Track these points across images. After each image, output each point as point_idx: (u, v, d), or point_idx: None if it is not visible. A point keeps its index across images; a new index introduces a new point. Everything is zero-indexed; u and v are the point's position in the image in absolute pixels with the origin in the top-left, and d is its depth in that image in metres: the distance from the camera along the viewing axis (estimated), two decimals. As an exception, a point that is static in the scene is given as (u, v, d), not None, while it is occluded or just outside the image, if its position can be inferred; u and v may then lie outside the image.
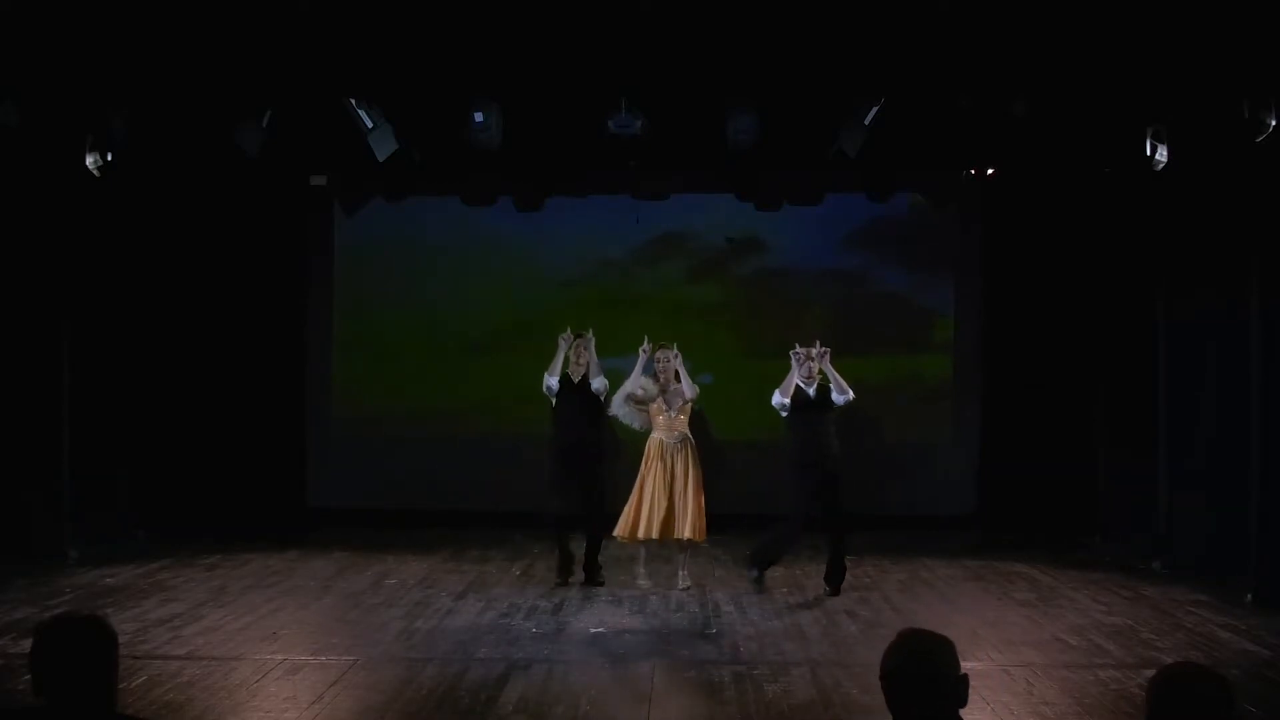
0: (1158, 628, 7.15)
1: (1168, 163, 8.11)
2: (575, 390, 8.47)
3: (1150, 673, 2.65)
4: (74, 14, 6.87)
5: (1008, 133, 8.27)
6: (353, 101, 7.94)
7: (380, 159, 8.19)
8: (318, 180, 11.27)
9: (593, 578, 8.44)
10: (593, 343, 8.51)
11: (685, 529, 8.09)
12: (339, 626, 7.15)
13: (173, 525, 10.38)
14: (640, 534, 8.18)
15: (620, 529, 8.27)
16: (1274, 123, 6.99)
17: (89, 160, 8.41)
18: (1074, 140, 8.55)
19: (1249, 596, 7.71)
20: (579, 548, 8.48)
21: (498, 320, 11.56)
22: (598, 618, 7.41)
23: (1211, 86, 7.36)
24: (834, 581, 8.08)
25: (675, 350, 8.35)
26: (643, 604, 7.84)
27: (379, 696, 5.62)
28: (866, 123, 7.97)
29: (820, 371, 8.16)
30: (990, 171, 10.74)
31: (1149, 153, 8.10)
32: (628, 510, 8.26)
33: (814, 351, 8.16)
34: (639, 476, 8.27)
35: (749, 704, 5.56)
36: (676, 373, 8.32)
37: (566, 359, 8.47)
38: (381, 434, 11.47)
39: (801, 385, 8.18)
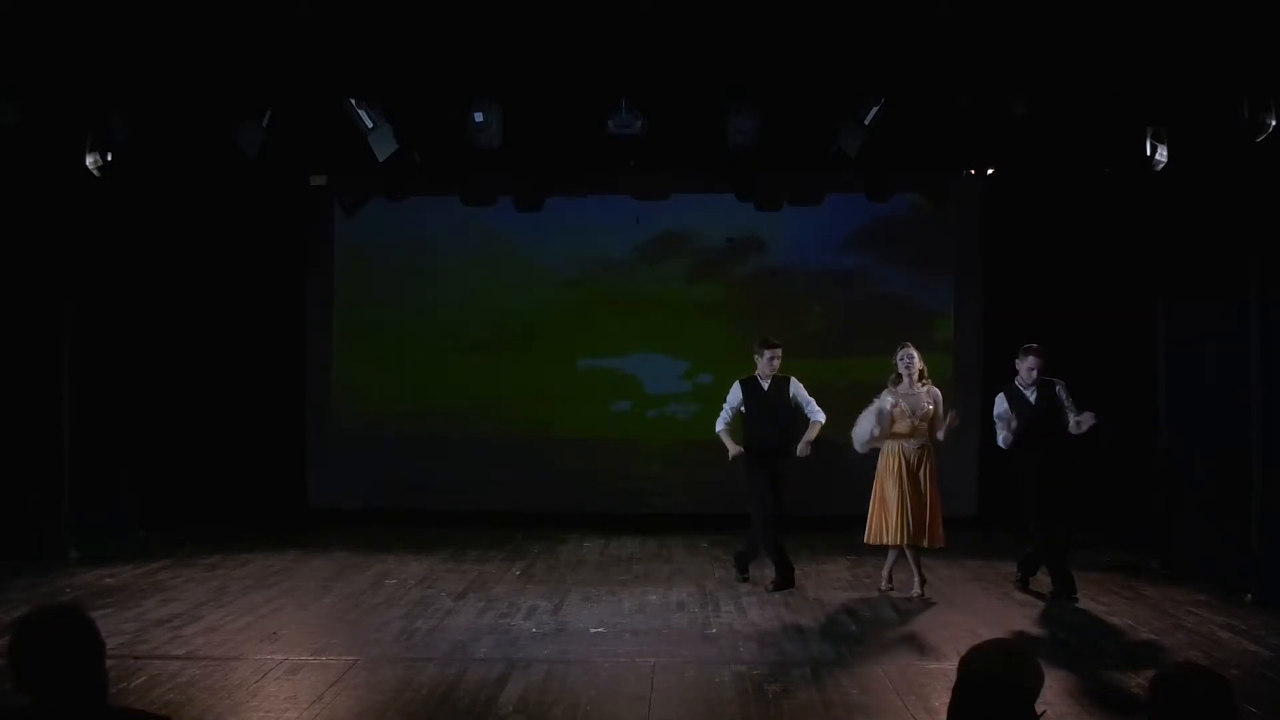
0: (1158, 628, 7.15)
1: (1168, 163, 8.10)
2: (765, 395, 8.40)
3: (1150, 673, 2.65)
4: (74, 14, 6.87)
5: (1008, 133, 8.26)
6: (353, 101, 7.94)
7: (380, 159, 8.18)
8: (318, 180, 11.26)
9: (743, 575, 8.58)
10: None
11: (930, 537, 7.95)
12: (339, 626, 7.15)
13: (173, 525, 10.38)
14: (893, 540, 7.99)
15: (874, 535, 8.08)
16: (1274, 123, 7.00)
17: (89, 160, 8.40)
18: (1074, 140, 8.54)
19: (1249, 596, 7.71)
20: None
21: (498, 320, 11.58)
22: (598, 618, 7.41)
23: (1211, 86, 7.35)
24: (1069, 589, 7.87)
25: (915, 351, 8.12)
26: (643, 604, 7.84)
27: (379, 696, 5.62)
28: (866, 123, 7.96)
29: (1040, 379, 7.95)
30: (990, 171, 10.74)
31: (1149, 153, 8.10)
32: (874, 515, 8.05)
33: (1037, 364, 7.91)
34: (878, 481, 8.06)
35: (749, 704, 5.56)
36: (922, 372, 8.11)
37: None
38: (382, 434, 11.47)
39: (1019, 388, 8.05)
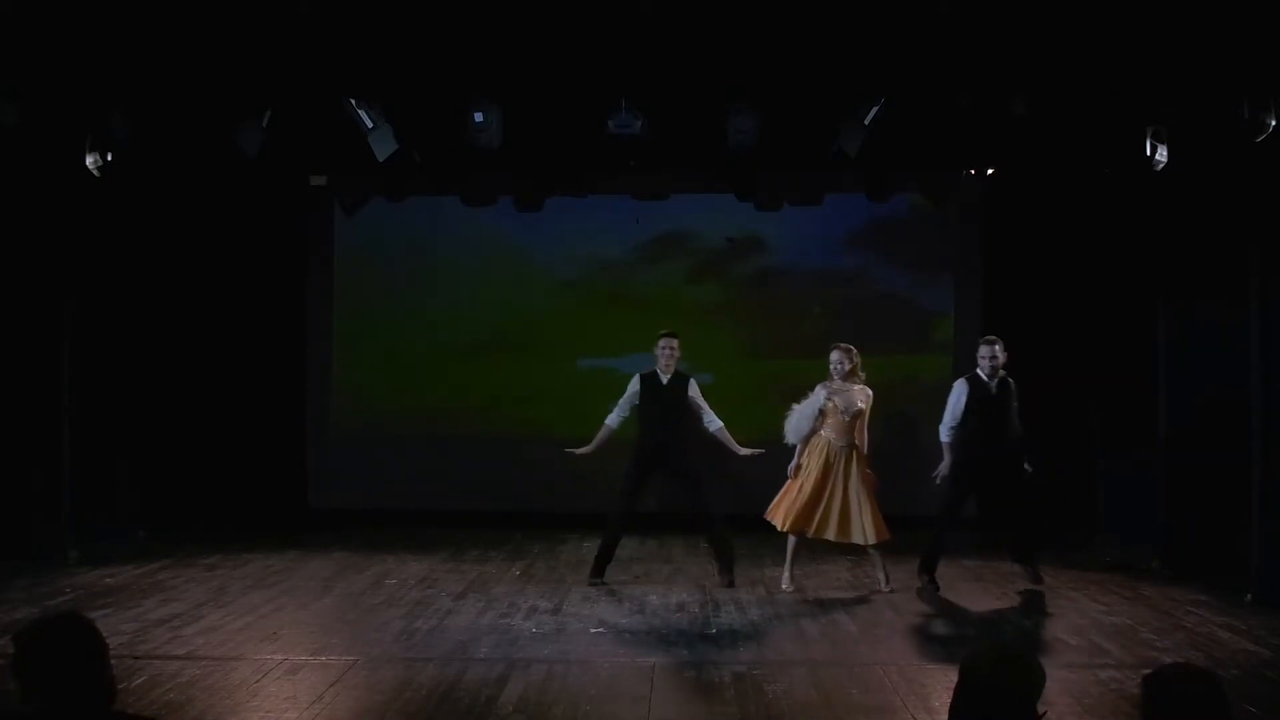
0: (1158, 628, 7.15)
1: (1168, 163, 8.11)
2: (662, 391, 8.44)
3: (1149, 672, 2.65)
4: (74, 14, 6.87)
5: (1008, 133, 8.27)
6: (353, 101, 7.94)
7: (380, 159, 8.19)
8: (318, 180, 11.27)
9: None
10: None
11: (869, 534, 7.98)
12: (339, 626, 7.15)
13: (173, 525, 10.38)
14: (811, 531, 8.04)
15: (782, 521, 8.09)
16: (1274, 123, 7.00)
17: (89, 160, 8.41)
18: (1074, 140, 8.55)
19: (1249, 596, 7.71)
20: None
21: (498, 320, 11.56)
22: (598, 618, 7.41)
23: (1211, 86, 7.36)
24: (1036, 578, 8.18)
25: (855, 352, 8.17)
26: (643, 604, 7.84)
27: (379, 696, 5.62)
28: (866, 123, 7.97)
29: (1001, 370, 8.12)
30: (990, 171, 10.74)
31: (1149, 153, 8.10)
32: (784, 501, 8.10)
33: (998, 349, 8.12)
34: (797, 469, 8.10)
35: (749, 704, 5.56)
36: (854, 369, 8.13)
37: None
38: (381, 434, 11.46)
39: (983, 377, 8.16)
